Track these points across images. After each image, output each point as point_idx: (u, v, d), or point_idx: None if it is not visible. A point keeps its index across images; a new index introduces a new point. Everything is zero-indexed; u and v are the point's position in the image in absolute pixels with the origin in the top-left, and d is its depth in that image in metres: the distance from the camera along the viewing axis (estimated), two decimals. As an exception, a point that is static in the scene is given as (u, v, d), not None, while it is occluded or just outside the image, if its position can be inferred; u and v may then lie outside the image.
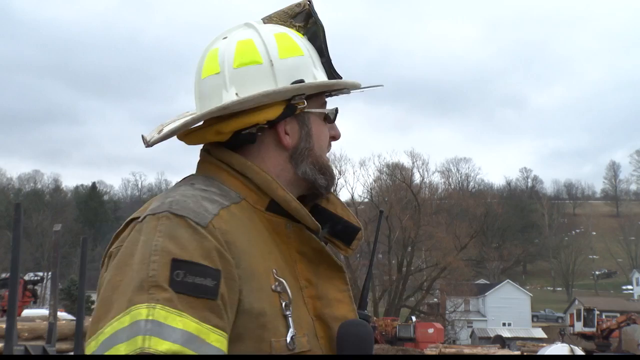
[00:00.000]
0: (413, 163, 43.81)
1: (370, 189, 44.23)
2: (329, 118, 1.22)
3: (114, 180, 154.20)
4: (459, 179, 73.30)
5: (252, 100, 1.12)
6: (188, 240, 0.99)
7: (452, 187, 60.56)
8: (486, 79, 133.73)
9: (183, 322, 0.92)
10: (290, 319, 1.04)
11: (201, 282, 0.95)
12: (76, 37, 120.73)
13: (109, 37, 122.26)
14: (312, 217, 1.12)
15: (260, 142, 1.16)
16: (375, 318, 30.09)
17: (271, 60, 1.16)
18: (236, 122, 1.14)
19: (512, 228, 71.00)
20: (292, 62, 1.17)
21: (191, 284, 0.95)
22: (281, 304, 1.04)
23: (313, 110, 1.19)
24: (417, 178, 43.73)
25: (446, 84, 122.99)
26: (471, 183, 75.12)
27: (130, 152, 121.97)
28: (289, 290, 1.05)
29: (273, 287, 1.05)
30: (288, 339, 1.02)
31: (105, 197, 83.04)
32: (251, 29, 1.19)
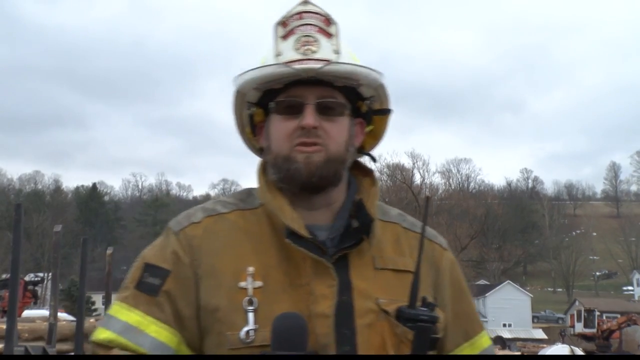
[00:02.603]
0: (413, 164, 43.83)
1: (371, 189, 44.14)
2: (287, 110, 1.19)
3: (115, 181, 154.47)
4: (460, 179, 73.32)
5: (235, 122, 1.31)
6: (159, 246, 1.20)
7: (453, 187, 60.60)
8: (485, 84, 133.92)
9: (128, 315, 1.13)
10: (250, 314, 1.09)
11: (151, 282, 1.15)
12: (83, 43, 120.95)
13: (115, 42, 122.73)
14: (286, 216, 1.16)
15: None
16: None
17: None
18: (248, 138, 1.33)
19: (512, 229, 70.92)
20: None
21: (146, 283, 1.15)
22: (245, 300, 1.10)
23: (270, 109, 1.22)
24: (417, 179, 43.75)
25: (446, 89, 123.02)
26: (472, 184, 75.15)
27: (132, 154, 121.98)
28: (250, 288, 1.11)
29: (241, 284, 1.12)
30: (242, 332, 1.08)
31: (106, 198, 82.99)
32: None
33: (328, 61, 1.17)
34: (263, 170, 1.25)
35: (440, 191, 48.93)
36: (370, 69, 1.21)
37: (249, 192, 1.28)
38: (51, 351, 9.00)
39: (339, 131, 1.21)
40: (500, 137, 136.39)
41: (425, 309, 1.13)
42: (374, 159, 1.38)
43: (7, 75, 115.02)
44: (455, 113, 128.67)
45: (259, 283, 1.12)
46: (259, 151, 1.31)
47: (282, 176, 1.19)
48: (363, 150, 1.33)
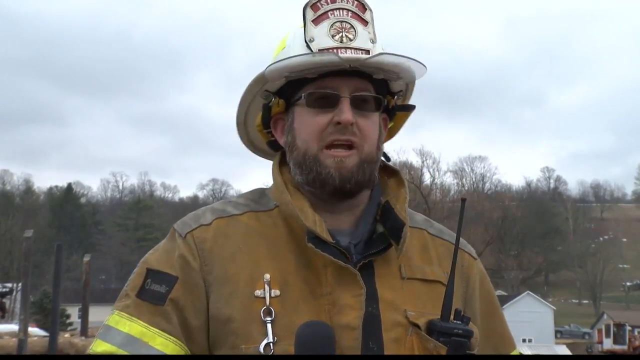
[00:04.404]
0: (423, 162, 44.04)
1: (376, 190, 44.36)
2: (319, 103, 1.19)
3: (92, 181, 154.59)
4: (474, 179, 73.37)
5: (238, 114, 1.31)
6: (165, 250, 1.20)
7: (466, 188, 60.78)
8: (502, 76, 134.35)
9: (130, 326, 1.12)
10: (269, 325, 1.08)
11: (156, 289, 1.14)
12: (62, 32, 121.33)
13: (97, 31, 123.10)
14: (308, 219, 1.15)
15: None
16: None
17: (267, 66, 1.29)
18: (258, 131, 1.32)
19: (532, 234, 71.08)
20: (277, 58, 1.24)
21: (151, 291, 1.14)
22: (262, 310, 1.09)
23: (296, 101, 1.22)
24: (427, 178, 43.93)
25: (459, 81, 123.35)
26: (487, 184, 75.14)
27: (112, 152, 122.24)
28: (267, 297, 1.10)
29: (258, 292, 1.11)
30: (261, 346, 1.07)
31: (83, 200, 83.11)
32: None
33: (367, 51, 1.18)
34: (279, 167, 1.26)
35: (452, 192, 49.17)
36: (419, 61, 1.21)
37: (261, 192, 1.29)
38: (21, 370, 8.97)
39: (372, 129, 1.22)
40: (518, 133, 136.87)
41: (459, 322, 1.12)
42: (387, 158, 1.37)
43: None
44: (469, 107, 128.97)
45: (276, 292, 1.12)
46: (267, 146, 1.33)
47: (311, 179, 1.19)
48: None
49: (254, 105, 1.29)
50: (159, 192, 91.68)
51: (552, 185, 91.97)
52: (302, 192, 1.21)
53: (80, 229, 71.60)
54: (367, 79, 1.21)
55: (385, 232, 1.21)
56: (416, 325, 1.14)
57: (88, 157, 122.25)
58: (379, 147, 1.23)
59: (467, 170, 71.39)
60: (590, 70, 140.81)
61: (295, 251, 1.17)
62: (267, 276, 1.12)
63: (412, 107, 1.32)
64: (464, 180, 64.78)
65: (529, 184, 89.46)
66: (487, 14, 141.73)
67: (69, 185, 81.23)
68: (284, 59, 1.17)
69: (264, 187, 1.32)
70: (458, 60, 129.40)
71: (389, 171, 1.32)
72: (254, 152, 1.41)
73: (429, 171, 44.51)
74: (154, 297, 1.13)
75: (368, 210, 1.24)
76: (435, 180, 44.91)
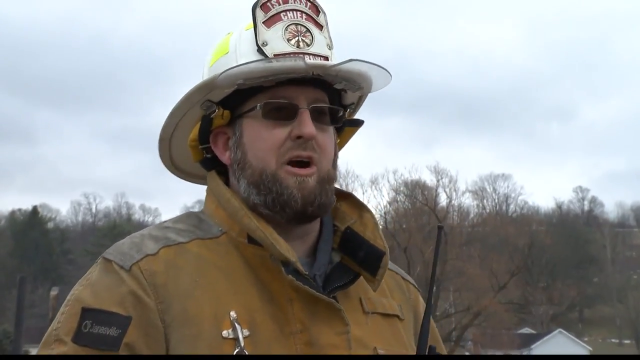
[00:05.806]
0: (438, 181, 43.87)
1: (384, 213, 44.26)
2: (276, 115, 1.22)
3: (61, 204, 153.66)
4: (496, 200, 73.37)
5: (167, 126, 1.32)
6: (106, 286, 1.16)
7: (488, 210, 60.70)
8: (527, 86, 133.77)
9: None
10: None
11: (104, 332, 1.10)
12: (31, 37, 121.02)
13: (71, 37, 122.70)
14: (282, 247, 1.17)
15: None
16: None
17: (203, 72, 1.34)
18: (190, 147, 1.34)
19: (564, 263, 70.66)
20: (217, 65, 1.29)
21: (95, 335, 1.11)
22: (234, 354, 1.12)
23: (247, 112, 1.23)
24: (442, 200, 43.81)
25: (478, 92, 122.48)
26: (511, 206, 75.05)
27: (86, 172, 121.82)
28: (241, 337, 1.13)
29: (225, 333, 1.13)
30: None
31: (50, 225, 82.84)
32: None
33: (326, 58, 1.24)
34: (222, 186, 1.28)
35: (471, 215, 49.08)
36: (387, 69, 1.26)
37: (197, 216, 1.30)
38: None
39: (330, 144, 1.26)
40: (546, 149, 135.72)
41: None
42: None
43: None
44: (491, 120, 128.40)
45: (245, 332, 1.13)
46: (193, 166, 1.36)
47: (270, 200, 1.21)
48: None
49: (185, 117, 1.30)
50: (138, 215, 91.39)
51: (586, 208, 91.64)
52: (260, 215, 1.23)
53: (46, 258, 71.32)
54: (322, 88, 1.26)
55: (345, 261, 1.27)
56: None
57: (57, 177, 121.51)
58: (334, 164, 1.27)
59: (488, 190, 71.40)
60: (628, 79, 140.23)
61: (256, 284, 1.19)
62: (234, 314, 1.14)
63: (361, 122, 1.37)
64: (484, 201, 64.82)
65: (559, 206, 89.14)
66: (510, 17, 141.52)
67: (34, 209, 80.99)
68: (244, 64, 1.18)
69: (195, 210, 1.34)
70: (477, 69, 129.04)
71: (341, 194, 1.34)
72: (173, 172, 1.43)
73: (444, 191, 44.42)
74: (100, 342, 1.10)
75: (324, 238, 1.29)
76: (452, 201, 44.80)
